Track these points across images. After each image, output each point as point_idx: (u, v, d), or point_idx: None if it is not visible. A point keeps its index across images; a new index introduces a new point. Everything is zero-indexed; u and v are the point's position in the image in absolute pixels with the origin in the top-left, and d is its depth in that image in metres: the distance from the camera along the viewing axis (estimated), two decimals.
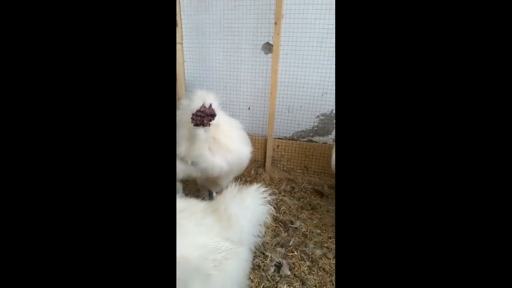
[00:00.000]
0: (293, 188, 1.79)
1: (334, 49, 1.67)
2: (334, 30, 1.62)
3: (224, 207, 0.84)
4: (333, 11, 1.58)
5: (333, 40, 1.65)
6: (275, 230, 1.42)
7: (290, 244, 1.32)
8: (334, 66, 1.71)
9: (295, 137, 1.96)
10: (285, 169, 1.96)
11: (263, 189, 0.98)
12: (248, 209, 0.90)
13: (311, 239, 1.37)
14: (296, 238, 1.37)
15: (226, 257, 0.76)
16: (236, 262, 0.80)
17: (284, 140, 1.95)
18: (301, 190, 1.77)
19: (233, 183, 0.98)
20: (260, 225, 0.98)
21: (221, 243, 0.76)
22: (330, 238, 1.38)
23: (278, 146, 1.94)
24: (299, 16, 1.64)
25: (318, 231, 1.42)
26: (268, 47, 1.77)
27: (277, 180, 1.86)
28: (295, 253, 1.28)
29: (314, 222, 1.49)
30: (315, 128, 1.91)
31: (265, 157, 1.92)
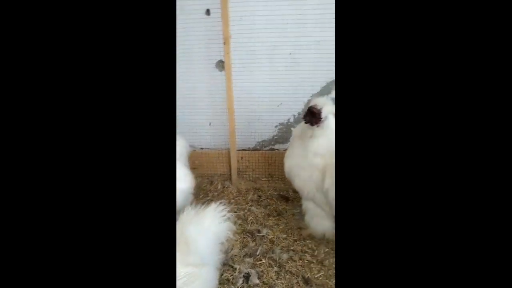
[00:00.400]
0: (259, 196, 1.86)
1: (282, 64, 1.78)
2: (282, 47, 1.74)
3: (180, 232, 0.87)
4: (279, 29, 1.69)
5: (281, 56, 1.76)
6: (243, 241, 1.47)
7: (257, 253, 1.38)
8: (285, 80, 1.82)
9: (258, 147, 2.05)
10: (251, 179, 2.03)
11: (222, 206, 1.03)
12: (208, 229, 0.94)
13: (278, 244, 1.45)
14: (264, 245, 1.44)
15: (187, 282, 0.80)
16: (199, 284, 0.84)
17: (247, 151, 2.02)
18: (268, 198, 1.85)
19: (195, 203, 1.02)
20: (223, 242, 1.03)
21: (179, 270, 0.80)
22: (295, 241, 1.47)
23: (242, 157, 2.01)
24: (247, 36, 1.72)
25: (284, 235, 1.50)
26: (221, 65, 1.83)
27: (244, 191, 1.92)
28: (263, 260, 1.35)
29: (281, 227, 1.57)
30: (275, 137, 2.01)
31: (230, 170, 1.97)
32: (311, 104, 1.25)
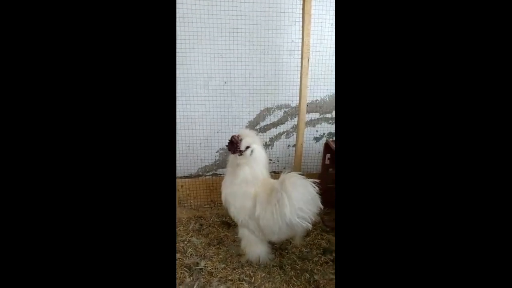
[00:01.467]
0: (201, 225, 1.83)
1: (219, 93, 1.85)
2: (217, 77, 1.80)
3: None
4: (213, 60, 1.77)
5: (217, 85, 1.82)
6: (180, 277, 1.42)
7: None
8: (222, 107, 1.88)
9: (200, 173, 2.03)
10: (192, 207, 1.99)
11: None
12: None
13: (216, 275, 1.43)
14: (202, 279, 1.40)
15: None
16: None
17: (188, 179, 1.98)
18: (209, 226, 1.83)
19: None
20: None
21: None
22: (234, 269, 1.48)
23: (182, 186, 1.96)
24: (183, 66, 1.75)
25: (223, 265, 1.50)
26: None
27: (186, 220, 1.87)
28: None
29: (220, 256, 1.56)
30: (217, 162, 2.03)
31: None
32: (235, 134, 1.32)
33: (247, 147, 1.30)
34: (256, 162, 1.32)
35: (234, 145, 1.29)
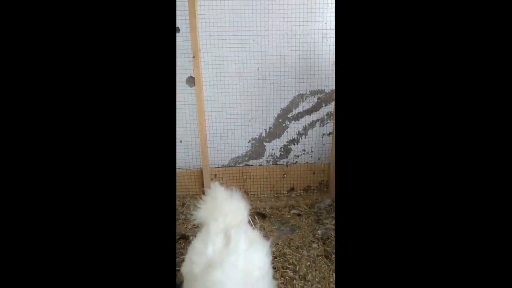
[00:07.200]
0: None
1: (252, 80, 1.83)
2: (251, 62, 1.79)
3: None
4: (246, 45, 1.76)
5: (251, 72, 1.81)
6: None
7: None
8: (255, 94, 1.86)
9: (232, 164, 1.98)
10: None
11: None
12: None
13: None
14: None
15: None
16: None
17: (220, 169, 1.94)
18: None
19: None
20: None
21: None
22: (275, 258, 1.37)
23: (215, 175, 1.92)
24: (217, 50, 1.76)
25: None
26: (191, 80, 1.82)
27: None
28: None
29: None
30: (249, 153, 1.98)
31: (203, 189, 1.86)
32: None
33: None
34: None
35: None
